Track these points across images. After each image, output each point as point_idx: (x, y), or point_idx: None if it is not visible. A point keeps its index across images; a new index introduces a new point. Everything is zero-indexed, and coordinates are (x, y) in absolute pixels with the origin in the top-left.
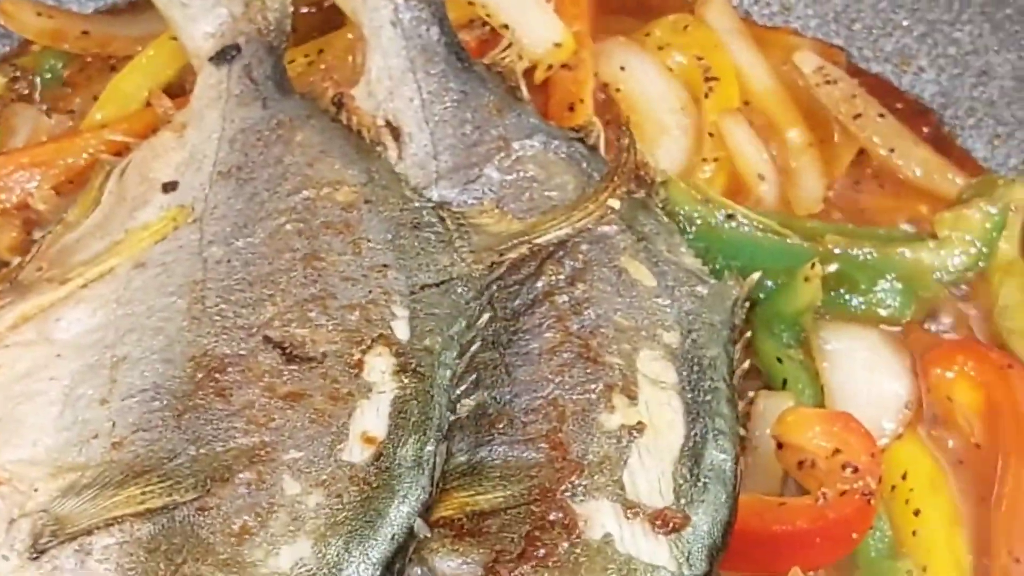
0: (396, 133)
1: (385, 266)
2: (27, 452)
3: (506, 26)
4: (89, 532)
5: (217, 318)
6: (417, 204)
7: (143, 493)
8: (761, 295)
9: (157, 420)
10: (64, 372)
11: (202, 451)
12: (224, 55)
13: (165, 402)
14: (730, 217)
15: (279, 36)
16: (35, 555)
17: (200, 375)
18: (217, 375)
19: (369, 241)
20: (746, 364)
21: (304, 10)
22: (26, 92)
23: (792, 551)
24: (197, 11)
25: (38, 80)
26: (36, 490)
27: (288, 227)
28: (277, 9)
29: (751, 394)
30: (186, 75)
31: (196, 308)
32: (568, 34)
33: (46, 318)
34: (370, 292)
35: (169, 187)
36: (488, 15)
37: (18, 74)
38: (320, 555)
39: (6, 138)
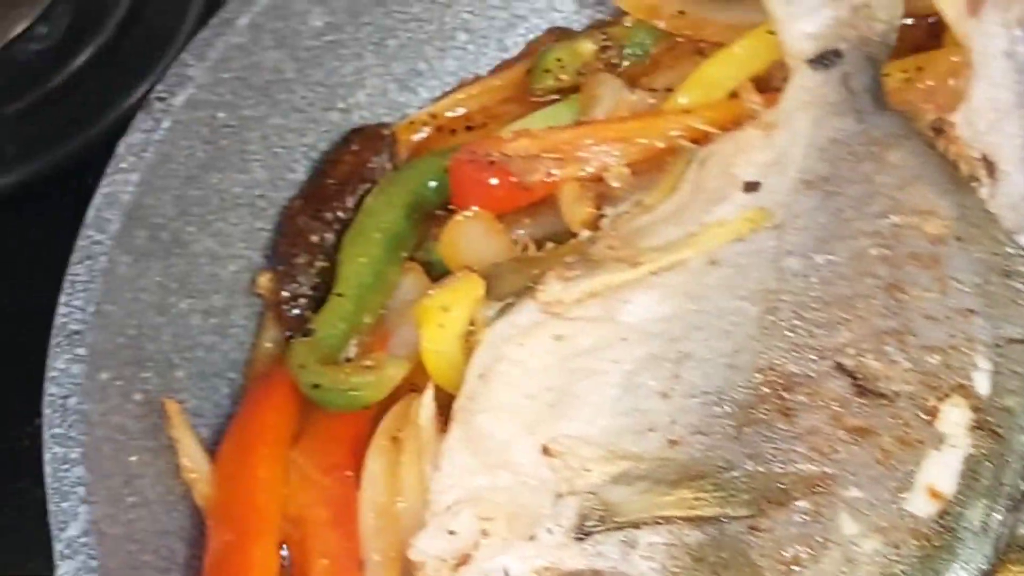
0: (991, 169)
1: (971, 311)
2: (582, 429)
3: None
4: (637, 525)
5: (789, 333)
6: (1010, 250)
7: (696, 499)
8: None
9: (717, 426)
10: (627, 356)
11: (760, 469)
12: (824, 59)
13: (727, 409)
14: None
15: (882, 48)
16: (580, 536)
17: (765, 389)
18: (783, 393)
19: (956, 281)
20: None
21: (907, 21)
22: (613, 62)
23: None
24: (802, 10)
25: (626, 53)
26: (588, 470)
27: (872, 251)
28: (885, 20)
29: None
30: (775, 71)
31: (768, 318)
32: None
33: (613, 298)
34: (952, 336)
35: (751, 187)
36: None
37: (608, 43)
38: None
39: (589, 106)
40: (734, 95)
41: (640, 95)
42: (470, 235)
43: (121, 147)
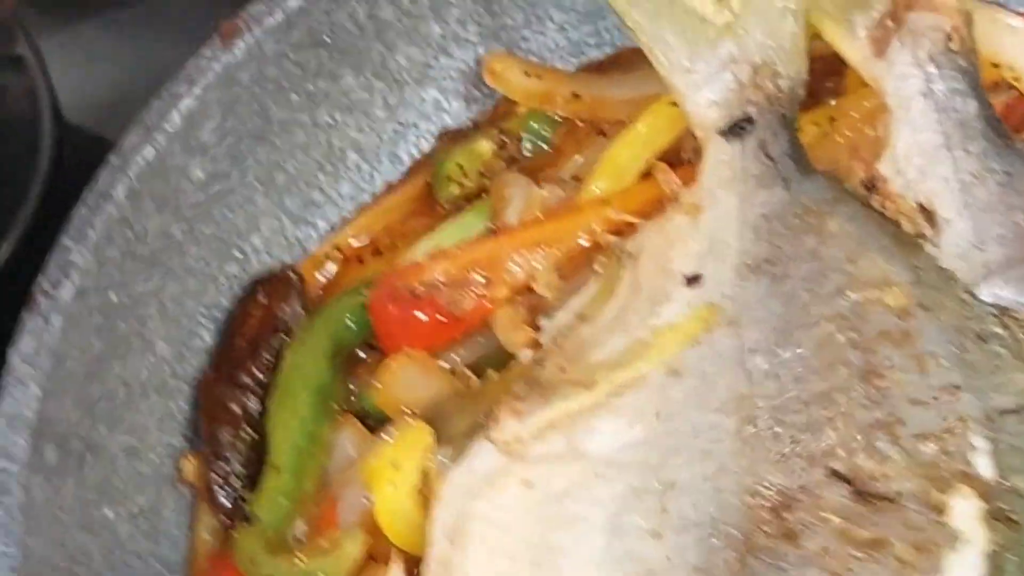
0: (930, 218)
1: (955, 386)
2: None
3: None
4: None
5: (772, 443)
6: (978, 309)
7: None
8: None
9: (719, 562)
10: (607, 495)
11: None
12: (736, 128)
13: (725, 540)
14: None
15: (792, 105)
16: None
17: (762, 512)
18: (781, 512)
19: (933, 356)
20: None
21: None
22: (514, 158)
23: None
24: (701, 77)
25: (525, 145)
26: None
27: (839, 336)
28: (791, 75)
29: None
30: (683, 142)
31: (746, 429)
32: None
33: (575, 428)
34: (943, 418)
35: (693, 280)
36: (1016, 79)
37: (505, 139)
38: None
39: (499, 209)
40: (647, 175)
41: (549, 188)
42: (405, 377)
43: (13, 358)
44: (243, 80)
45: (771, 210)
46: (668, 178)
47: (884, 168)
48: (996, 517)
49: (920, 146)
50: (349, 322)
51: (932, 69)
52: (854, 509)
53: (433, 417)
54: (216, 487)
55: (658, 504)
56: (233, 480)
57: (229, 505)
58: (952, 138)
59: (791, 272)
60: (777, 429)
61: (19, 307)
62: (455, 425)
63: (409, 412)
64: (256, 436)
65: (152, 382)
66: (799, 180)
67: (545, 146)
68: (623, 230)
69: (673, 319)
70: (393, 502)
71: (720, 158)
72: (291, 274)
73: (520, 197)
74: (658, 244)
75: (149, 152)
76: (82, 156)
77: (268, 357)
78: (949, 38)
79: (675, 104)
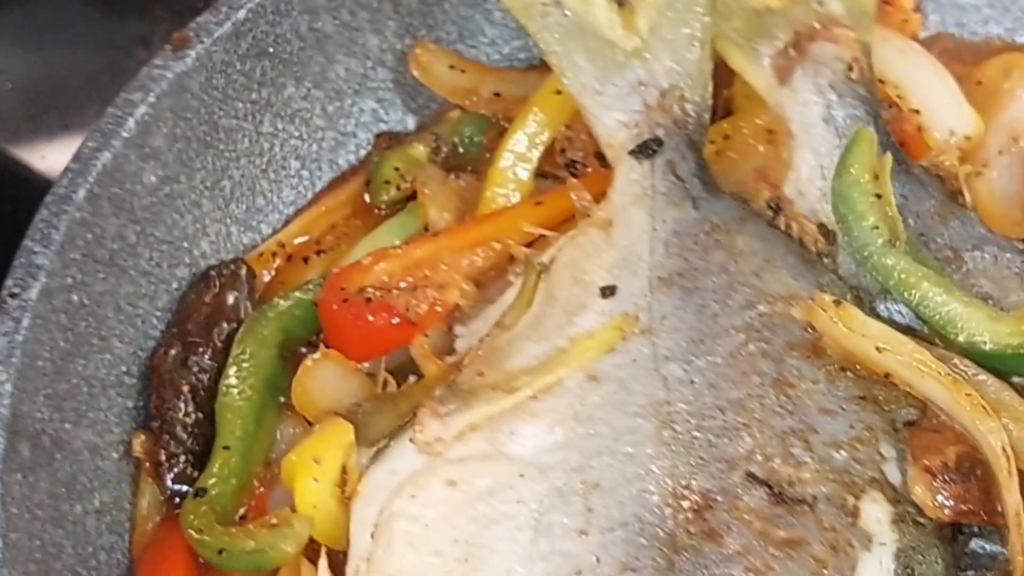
0: (831, 237)
1: (862, 398)
2: None
3: (918, 111)
4: None
5: (692, 446)
6: None
7: None
8: None
9: (647, 559)
10: (530, 495)
11: None
12: (645, 149)
13: (652, 539)
14: None
15: (699, 129)
16: None
17: (686, 512)
18: (704, 514)
19: (840, 368)
20: None
21: None
22: (447, 159)
23: None
24: (610, 99)
25: (458, 148)
26: None
27: (751, 347)
28: (697, 100)
29: None
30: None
31: (666, 433)
32: (980, 127)
33: (496, 430)
34: (852, 427)
35: (608, 291)
36: (899, 96)
37: (439, 143)
38: None
39: (425, 205)
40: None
41: (465, 179)
42: (323, 378)
43: None
44: (193, 88)
45: (681, 227)
46: (579, 194)
47: (788, 190)
48: (904, 520)
49: (821, 170)
50: (298, 317)
51: (833, 97)
52: (772, 511)
53: (354, 418)
54: (163, 461)
55: (583, 504)
56: (180, 458)
57: (175, 480)
58: None
59: (702, 285)
60: (695, 433)
61: None
62: (377, 427)
63: (330, 412)
64: (202, 416)
65: (110, 381)
66: (707, 199)
67: (477, 148)
68: (535, 242)
69: (589, 328)
70: (314, 497)
71: (631, 176)
72: (243, 263)
73: (438, 190)
74: (572, 256)
75: (106, 157)
76: None
77: (218, 342)
78: (850, 68)
79: (559, 92)
